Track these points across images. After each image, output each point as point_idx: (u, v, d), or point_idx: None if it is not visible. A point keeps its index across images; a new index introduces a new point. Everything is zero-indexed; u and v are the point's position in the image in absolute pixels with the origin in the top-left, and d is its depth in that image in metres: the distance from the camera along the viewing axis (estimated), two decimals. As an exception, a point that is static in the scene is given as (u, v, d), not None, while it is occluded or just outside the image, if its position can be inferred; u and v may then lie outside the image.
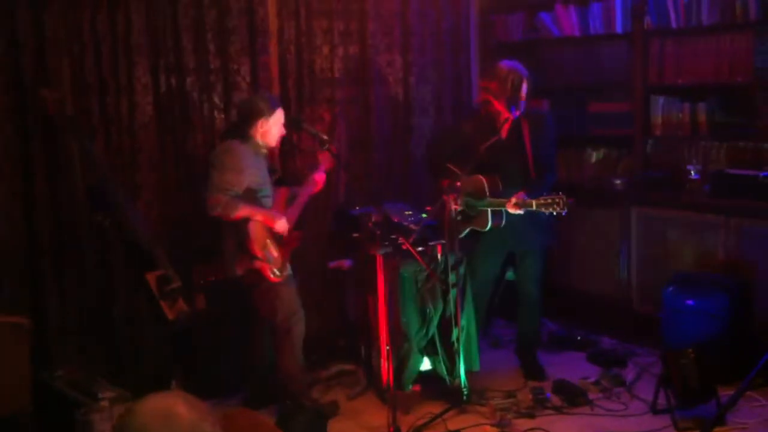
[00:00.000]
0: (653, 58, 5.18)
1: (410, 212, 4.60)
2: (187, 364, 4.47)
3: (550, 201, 4.14)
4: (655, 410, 4.17)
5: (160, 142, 4.67)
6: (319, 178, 4.40)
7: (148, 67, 4.57)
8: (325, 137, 4.38)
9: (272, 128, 4.18)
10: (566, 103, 5.71)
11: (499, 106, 4.42)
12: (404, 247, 4.08)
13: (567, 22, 5.57)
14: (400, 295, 4.30)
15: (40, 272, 4.32)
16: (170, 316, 4.27)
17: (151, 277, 4.25)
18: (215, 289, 4.60)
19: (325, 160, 4.44)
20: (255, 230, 4.11)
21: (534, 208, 4.19)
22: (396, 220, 4.45)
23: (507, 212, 4.36)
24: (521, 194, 4.25)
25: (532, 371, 4.72)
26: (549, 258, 4.84)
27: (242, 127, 4.18)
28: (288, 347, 4.28)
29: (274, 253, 4.17)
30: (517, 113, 4.37)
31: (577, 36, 5.55)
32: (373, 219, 4.43)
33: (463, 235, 4.47)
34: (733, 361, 4.29)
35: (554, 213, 4.15)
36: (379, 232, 4.18)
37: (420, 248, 4.24)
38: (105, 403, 3.74)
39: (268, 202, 4.24)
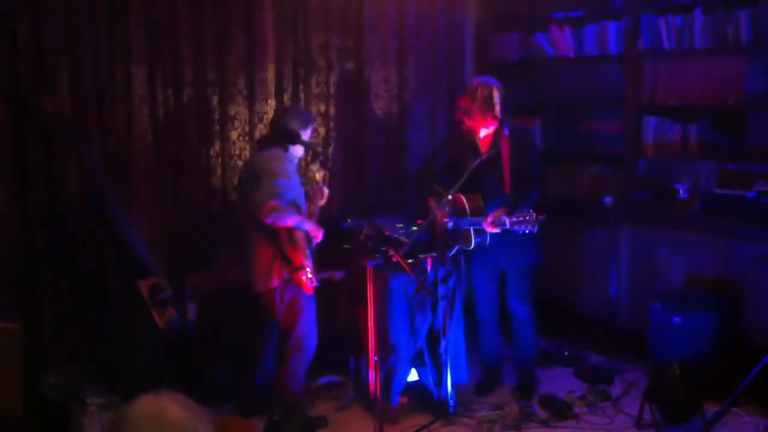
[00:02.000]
0: (646, 80, 5.24)
1: (401, 225, 4.64)
2: (179, 371, 4.49)
3: (521, 219, 4.10)
4: (640, 425, 4.19)
5: (156, 151, 4.71)
6: (324, 191, 4.48)
7: (146, 77, 4.63)
8: (320, 149, 4.45)
9: (306, 142, 4.33)
10: (559, 121, 5.77)
11: (472, 122, 4.46)
12: (394, 259, 4.11)
13: (562, 42, 5.64)
14: (389, 307, 4.33)
15: (35, 279, 4.35)
16: (160, 324, 4.30)
17: (143, 285, 4.28)
18: (209, 297, 4.63)
19: (322, 175, 4.52)
20: (301, 240, 4.17)
21: (508, 226, 4.16)
22: (387, 233, 4.49)
23: (488, 231, 4.33)
24: (500, 212, 4.21)
25: (524, 392, 4.66)
26: (538, 275, 4.80)
27: (281, 137, 4.27)
28: (295, 362, 4.32)
29: (312, 263, 4.24)
30: (492, 125, 4.39)
31: (572, 56, 5.62)
32: (364, 231, 4.47)
33: (452, 253, 4.49)
34: (718, 378, 4.31)
35: (526, 231, 4.10)
36: (370, 244, 4.22)
37: (410, 260, 4.28)
38: (93, 408, 3.76)
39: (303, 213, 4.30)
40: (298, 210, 4.20)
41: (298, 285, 4.19)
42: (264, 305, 4.29)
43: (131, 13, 4.52)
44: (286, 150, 4.26)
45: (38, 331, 4.33)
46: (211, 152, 4.92)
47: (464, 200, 4.41)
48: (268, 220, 4.05)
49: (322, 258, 4.71)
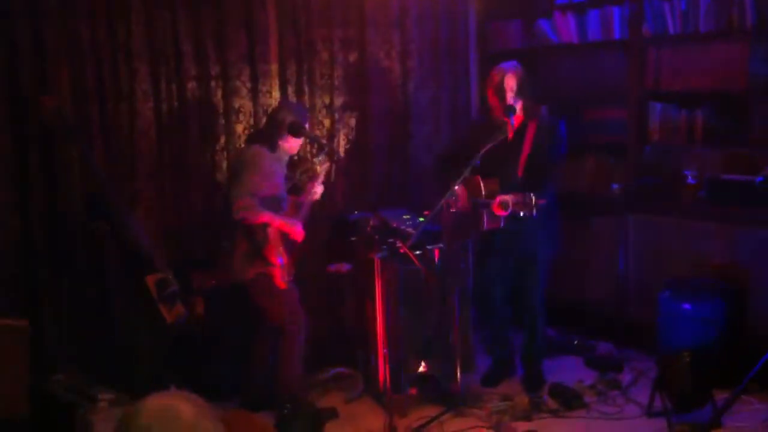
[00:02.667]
0: (650, 65, 5.21)
1: (408, 216, 4.63)
2: (185, 368, 4.49)
3: (520, 202, 4.03)
4: (650, 414, 4.19)
5: (159, 149, 4.70)
6: (319, 188, 4.47)
7: (149, 73, 4.61)
8: (325, 142, 4.44)
9: (299, 140, 4.33)
10: (563, 109, 5.71)
11: (495, 110, 4.43)
12: (402, 251, 4.11)
13: (565, 29, 5.61)
14: (397, 299, 4.32)
15: (37, 279, 4.35)
16: (168, 319, 4.31)
17: (150, 281, 4.28)
18: (214, 294, 4.63)
19: (324, 171, 4.50)
20: (273, 236, 4.19)
21: (510, 208, 4.07)
22: (394, 225, 4.48)
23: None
24: (505, 197, 4.12)
25: (532, 383, 4.66)
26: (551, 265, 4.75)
27: (270, 134, 4.28)
28: (290, 351, 4.33)
29: (285, 259, 4.25)
30: (512, 116, 4.34)
31: (575, 43, 5.59)
32: (371, 223, 4.47)
33: (471, 240, 4.50)
34: (728, 366, 4.30)
35: (524, 214, 4.03)
36: (377, 237, 4.21)
37: (418, 252, 4.26)
38: (104, 405, 3.76)
39: (282, 209, 4.31)
40: (275, 208, 4.21)
41: (272, 279, 4.21)
42: (251, 296, 4.33)
43: (132, 10, 4.49)
44: (273, 149, 4.25)
45: (39, 330, 4.32)
46: (216, 147, 4.90)
47: (481, 183, 4.37)
48: (237, 216, 4.10)
49: (329, 250, 4.72)
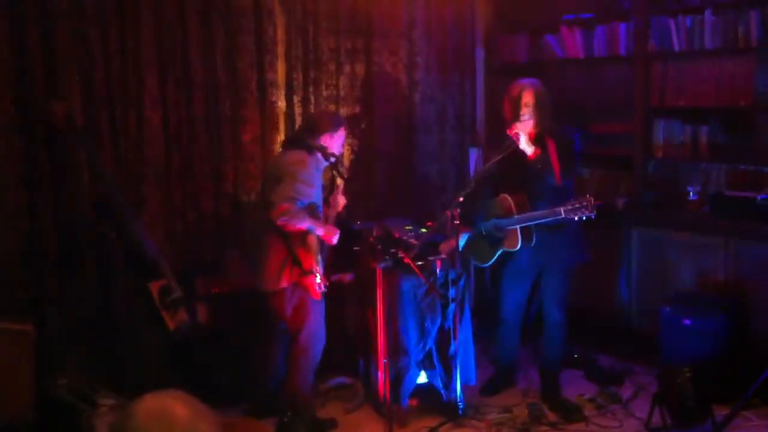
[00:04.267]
0: (655, 81, 5.23)
1: (411, 227, 4.65)
2: (189, 373, 4.50)
3: (578, 206, 4.03)
4: (649, 428, 4.18)
5: (166, 156, 4.74)
6: (341, 199, 4.49)
7: (157, 81, 4.65)
8: (332, 152, 4.45)
9: (335, 145, 4.30)
10: (569, 123, 5.73)
11: (507, 120, 4.40)
12: (405, 261, 4.12)
13: (572, 44, 5.64)
14: (399, 309, 4.34)
15: (43, 282, 4.38)
16: (171, 326, 4.33)
17: (154, 287, 4.31)
18: (218, 301, 4.65)
19: (342, 183, 4.54)
20: (312, 245, 4.16)
21: (563, 215, 4.08)
22: (397, 235, 4.50)
23: (536, 230, 4.28)
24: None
25: (549, 394, 4.62)
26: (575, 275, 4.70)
27: (308, 139, 4.26)
28: (303, 364, 4.31)
29: (322, 269, 4.23)
30: (523, 125, 4.29)
31: (582, 58, 5.62)
32: (374, 233, 4.48)
33: (493, 260, 4.48)
34: (729, 381, 4.29)
35: (583, 218, 4.03)
36: (379, 246, 4.23)
37: (420, 262, 4.28)
38: (107, 409, 3.78)
39: (319, 218, 4.29)
40: (315, 215, 4.20)
41: (306, 289, 4.19)
42: (272, 306, 4.29)
43: (142, 17, 4.54)
44: (311, 153, 4.22)
45: (47, 334, 4.35)
46: (223, 155, 4.93)
47: (510, 200, 4.34)
48: (280, 222, 4.04)
49: (332, 260, 4.72)
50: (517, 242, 4.33)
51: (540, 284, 4.59)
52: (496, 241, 4.43)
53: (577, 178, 5.61)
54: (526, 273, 4.57)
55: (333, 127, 4.29)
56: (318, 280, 4.16)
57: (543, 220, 4.21)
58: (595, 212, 4.03)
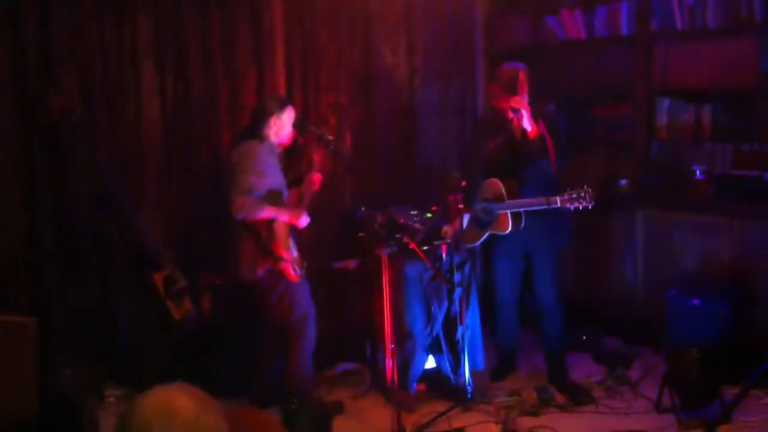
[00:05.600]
0: (658, 61, 5.19)
1: (415, 212, 4.62)
2: (193, 364, 4.49)
3: (575, 195, 4.03)
4: (659, 409, 4.17)
5: (165, 147, 4.69)
6: (316, 177, 4.43)
7: (155, 72, 4.60)
8: (331, 137, 4.42)
9: (285, 126, 4.26)
10: (571, 106, 5.71)
11: (503, 104, 4.38)
12: (410, 247, 4.09)
13: (572, 25, 5.59)
14: (404, 294, 4.32)
15: (45, 277, 4.34)
16: (176, 316, 4.31)
17: (157, 277, 4.28)
18: (221, 293, 4.63)
19: (319, 159, 4.48)
20: (280, 231, 4.15)
21: (559, 204, 4.09)
22: (401, 221, 4.48)
23: (525, 214, 4.28)
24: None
25: (556, 376, 4.62)
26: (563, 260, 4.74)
27: (256, 127, 4.24)
28: (299, 348, 4.31)
29: (295, 252, 4.22)
30: (521, 108, 4.25)
31: (583, 39, 5.57)
32: (378, 220, 4.45)
33: (481, 241, 4.47)
34: (737, 362, 4.27)
35: (580, 208, 4.04)
36: (384, 233, 4.20)
37: (425, 247, 4.26)
38: (111, 401, 3.76)
39: (283, 202, 4.28)
40: (277, 201, 4.17)
41: (282, 274, 4.17)
42: (256, 294, 4.28)
43: (139, 9, 4.48)
44: (262, 140, 4.20)
45: (47, 327, 4.32)
46: (222, 145, 4.90)
47: (501, 185, 4.33)
48: (238, 217, 4.06)
49: (337, 247, 4.72)
50: (508, 226, 4.32)
51: (530, 268, 4.60)
52: (484, 224, 4.42)
53: (578, 161, 5.59)
54: (515, 254, 4.58)
55: (278, 109, 4.24)
56: (291, 264, 4.15)
57: (537, 208, 4.21)
58: (593, 203, 4.02)
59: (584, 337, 5.15)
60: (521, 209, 4.27)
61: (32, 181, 4.28)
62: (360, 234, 4.67)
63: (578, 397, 4.36)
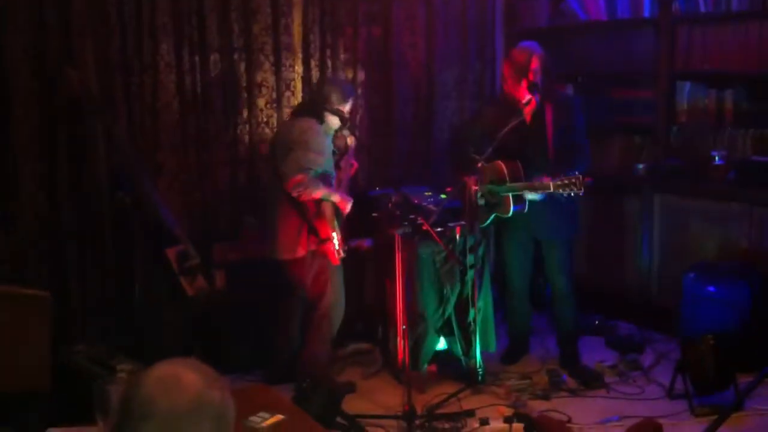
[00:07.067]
0: (680, 44, 5.11)
1: (430, 193, 4.60)
2: (206, 340, 4.50)
3: (566, 182, 4.01)
4: (671, 395, 4.15)
5: (182, 122, 4.70)
6: (354, 161, 4.47)
7: (172, 45, 4.60)
8: (347, 116, 4.40)
9: (345, 114, 4.26)
10: (591, 88, 5.66)
11: (513, 88, 4.34)
12: (423, 228, 4.07)
13: (594, 6, 5.52)
14: (417, 275, 4.30)
15: (63, 253, 4.37)
16: (190, 292, 4.31)
17: (170, 253, 4.28)
18: (235, 268, 4.63)
19: (353, 143, 4.50)
20: (328, 212, 4.16)
21: (551, 189, 4.07)
22: (415, 201, 4.45)
23: (529, 198, 4.27)
24: (544, 178, 4.12)
25: (568, 361, 4.60)
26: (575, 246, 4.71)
27: (317, 107, 4.23)
28: (322, 331, 4.33)
29: (339, 235, 4.22)
30: (533, 94, 4.24)
31: (604, 21, 5.50)
32: (392, 200, 4.43)
33: (487, 223, 4.44)
34: (752, 350, 4.23)
35: (572, 194, 4.02)
36: (398, 213, 4.18)
37: (439, 229, 4.23)
38: (123, 375, 3.77)
39: (332, 185, 4.28)
40: (328, 182, 4.17)
41: (325, 256, 4.17)
42: (290, 274, 4.28)
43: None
44: (321, 121, 4.21)
45: (67, 305, 4.35)
46: (239, 120, 4.89)
47: (504, 167, 4.30)
48: (295, 193, 4.05)
49: (350, 226, 4.69)
50: (510, 209, 4.30)
51: (542, 256, 4.58)
52: (489, 206, 4.40)
53: (597, 144, 5.54)
54: (524, 241, 4.57)
55: (344, 99, 4.26)
56: (336, 246, 4.14)
57: (532, 194, 4.19)
58: (583, 190, 3.98)
59: (596, 322, 5.13)
60: (518, 192, 4.26)
61: (52, 156, 4.30)
62: (374, 214, 4.65)
63: (590, 382, 4.34)
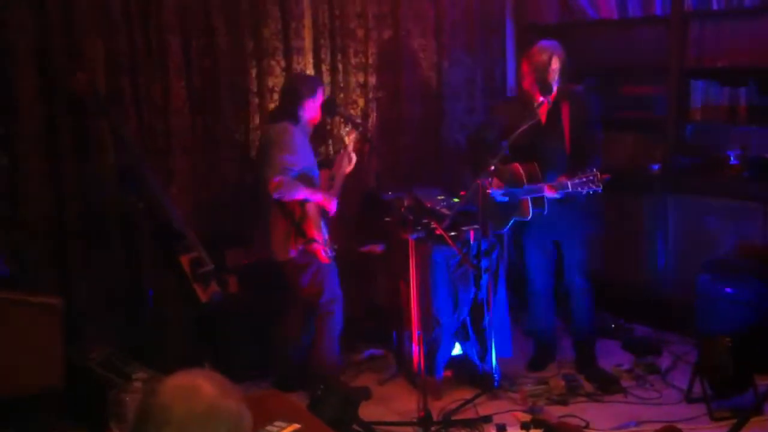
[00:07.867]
0: (692, 41, 5.07)
1: (442, 197, 4.57)
2: (219, 346, 4.49)
3: (584, 180, 3.98)
4: (690, 399, 4.12)
5: (192, 124, 4.67)
6: (350, 157, 4.44)
7: (181, 48, 4.56)
8: (359, 120, 4.40)
9: (317, 106, 4.28)
10: (601, 86, 5.60)
11: (531, 87, 4.31)
12: (437, 232, 4.05)
13: (605, 3, 5.47)
14: (431, 280, 4.28)
15: (69, 254, 4.35)
16: (203, 298, 4.30)
17: (184, 260, 4.27)
18: (247, 272, 4.61)
19: (351, 140, 4.48)
20: (312, 212, 4.18)
21: (570, 189, 4.04)
22: (428, 205, 4.42)
23: (548, 199, 4.22)
24: (562, 178, 4.09)
25: (585, 364, 4.56)
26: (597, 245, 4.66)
27: (290, 108, 4.24)
28: (327, 332, 4.34)
29: (326, 234, 4.24)
30: (549, 95, 4.22)
31: (615, 18, 5.45)
32: (405, 203, 4.40)
33: (507, 227, 4.42)
34: (770, 351, 4.21)
35: (590, 191, 3.98)
36: (411, 217, 4.15)
37: (453, 233, 4.20)
38: (138, 384, 3.76)
39: (315, 184, 4.29)
40: (310, 183, 4.19)
41: (314, 255, 4.19)
42: (287, 275, 4.32)
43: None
44: (296, 122, 4.22)
45: (74, 307, 4.32)
46: (249, 124, 4.86)
47: (521, 169, 4.28)
48: (275, 196, 4.09)
49: (363, 230, 4.68)
50: (529, 212, 4.28)
51: (561, 255, 4.55)
52: (509, 210, 4.37)
53: (608, 143, 5.48)
54: (545, 242, 4.54)
55: (312, 92, 4.26)
56: (323, 246, 4.18)
57: (551, 195, 4.15)
58: (601, 186, 3.96)
59: (613, 325, 5.09)
60: (537, 195, 4.22)
61: (57, 156, 4.26)
62: (387, 218, 4.62)
63: (607, 386, 4.31)
